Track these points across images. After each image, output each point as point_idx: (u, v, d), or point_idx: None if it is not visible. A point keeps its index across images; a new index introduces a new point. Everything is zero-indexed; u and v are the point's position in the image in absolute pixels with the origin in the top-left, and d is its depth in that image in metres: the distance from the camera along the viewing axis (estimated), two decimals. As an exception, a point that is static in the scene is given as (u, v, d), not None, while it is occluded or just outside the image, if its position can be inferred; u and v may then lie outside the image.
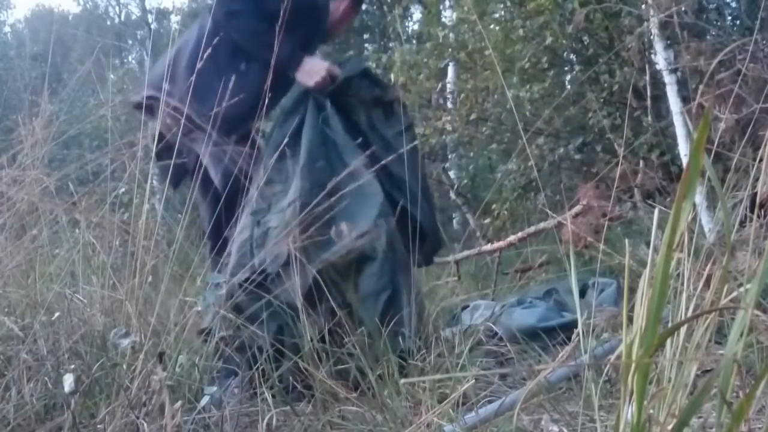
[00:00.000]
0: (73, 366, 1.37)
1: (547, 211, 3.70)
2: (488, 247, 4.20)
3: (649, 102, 4.47)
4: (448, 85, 7.39)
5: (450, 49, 6.02)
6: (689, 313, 0.88)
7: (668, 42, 3.62)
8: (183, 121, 1.86)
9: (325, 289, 1.80)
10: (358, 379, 1.57)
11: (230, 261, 1.90)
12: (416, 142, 2.28)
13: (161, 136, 1.97)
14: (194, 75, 1.87)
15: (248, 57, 2.13)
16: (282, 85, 2.15)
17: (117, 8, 21.33)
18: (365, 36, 10.44)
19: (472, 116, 5.90)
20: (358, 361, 1.57)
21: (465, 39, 5.68)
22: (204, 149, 2.03)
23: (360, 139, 2.10)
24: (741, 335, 0.72)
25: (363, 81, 2.24)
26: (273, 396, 1.45)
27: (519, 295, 2.86)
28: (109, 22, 21.12)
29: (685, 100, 3.56)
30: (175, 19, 18.07)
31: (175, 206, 3.66)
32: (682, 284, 0.91)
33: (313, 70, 2.14)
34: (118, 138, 2.02)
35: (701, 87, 2.76)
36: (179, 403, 1.16)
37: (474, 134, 6.18)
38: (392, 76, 6.13)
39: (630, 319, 0.77)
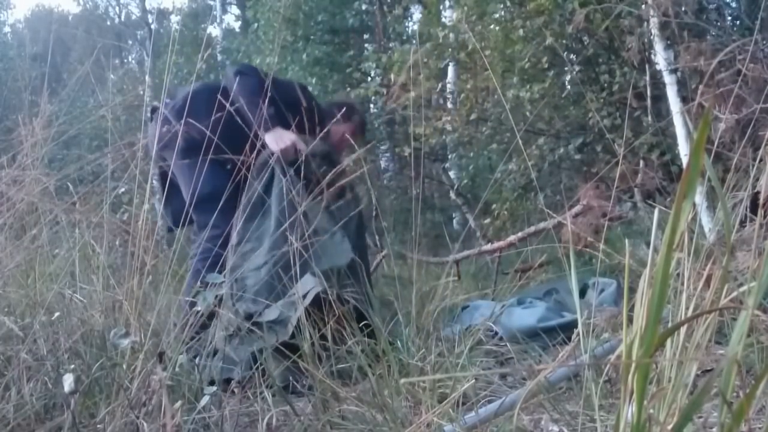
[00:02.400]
0: (72, 366, 1.37)
1: (547, 211, 3.70)
2: (488, 247, 4.21)
3: (649, 102, 4.47)
4: (448, 85, 7.39)
5: (450, 49, 6.02)
6: (689, 313, 0.88)
7: (668, 42, 3.62)
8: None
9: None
10: (358, 378, 1.57)
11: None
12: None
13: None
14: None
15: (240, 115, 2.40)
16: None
17: (117, 8, 21.36)
18: (365, 36, 10.43)
19: (472, 116, 5.90)
20: (359, 361, 1.57)
21: (465, 39, 5.68)
22: (175, 163, 2.32)
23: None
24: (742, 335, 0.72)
25: (323, 161, 2.39)
26: (273, 396, 1.45)
27: (519, 295, 2.86)
28: (109, 22, 21.13)
29: (685, 100, 3.56)
30: (175, 19, 18.10)
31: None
32: (682, 284, 0.91)
33: (281, 137, 2.39)
34: (118, 138, 2.03)
35: (701, 87, 2.76)
36: (179, 403, 1.16)
37: (474, 134, 6.18)
38: (392, 76, 6.14)
39: (630, 319, 0.77)
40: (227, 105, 2.13)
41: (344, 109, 2.78)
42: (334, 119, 2.58)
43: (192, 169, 2.27)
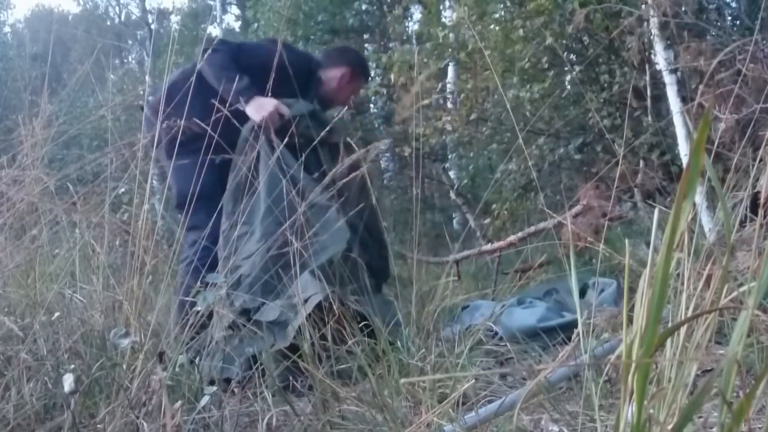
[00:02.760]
0: (72, 366, 1.37)
1: (547, 211, 3.70)
2: (488, 247, 4.21)
3: (649, 102, 4.46)
4: (448, 85, 7.39)
5: (450, 49, 6.02)
6: (689, 313, 0.88)
7: (668, 42, 3.62)
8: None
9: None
10: (358, 378, 1.57)
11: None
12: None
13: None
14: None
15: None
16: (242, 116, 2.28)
17: (117, 8, 21.38)
18: (365, 36, 10.43)
19: (472, 116, 5.90)
20: (359, 361, 1.57)
21: (465, 39, 5.68)
22: (167, 162, 2.22)
23: (315, 175, 2.17)
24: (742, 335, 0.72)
25: (310, 121, 2.29)
26: (273, 396, 1.45)
27: (519, 295, 2.86)
28: (109, 22, 21.16)
29: (685, 100, 3.56)
30: (175, 19, 18.11)
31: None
32: (682, 284, 0.91)
33: (262, 106, 2.27)
34: (118, 138, 2.03)
35: (701, 87, 2.76)
36: (179, 403, 1.16)
37: (474, 134, 6.18)
38: (392, 76, 6.14)
39: (630, 319, 0.77)
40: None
41: (337, 54, 2.60)
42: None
43: (178, 166, 2.15)
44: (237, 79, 2.25)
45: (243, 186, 2.12)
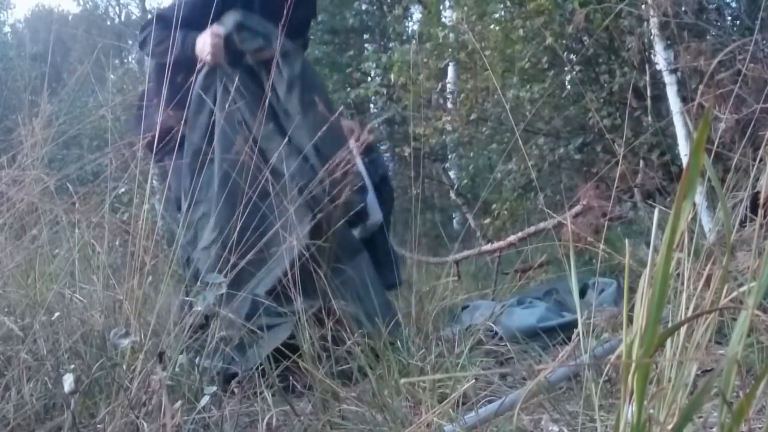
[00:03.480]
0: (72, 366, 1.37)
1: (547, 211, 3.70)
2: (488, 247, 4.21)
3: (649, 102, 4.46)
4: (448, 85, 7.39)
5: (450, 49, 6.02)
6: (689, 313, 0.88)
7: (668, 42, 3.62)
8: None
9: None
10: (358, 378, 1.57)
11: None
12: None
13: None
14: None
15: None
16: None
17: (117, 8, 21.36)
18: (365, 36, 10.42)
19: (472, 116, 5.90)
20: (359, 361, 1.57)
21: (465, 39, 5.68)
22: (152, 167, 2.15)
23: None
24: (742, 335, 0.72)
25: (242, 34, 2.14)
26: (273, 396, 1.45)
27: (519, 295, 2.86)
28: (109, 22, 21.13)
29: (685, 100, 3.56)
30: (175, 19, 18.08)
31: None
32: (682, 284, 0.91)
33: (203, 44, 2.12)
34: (118, 138, 2.02)
35: (701, 87, 2.76)
36: (179, 403, 1.16)
37: (474, 134, 6.18)
38: (392, 76, 6.14)
39: (630, 319, 0.77)
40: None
41: None
42: None
43: (166, 169, 2.08)
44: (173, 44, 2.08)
45: (200, 153, 1.95)
